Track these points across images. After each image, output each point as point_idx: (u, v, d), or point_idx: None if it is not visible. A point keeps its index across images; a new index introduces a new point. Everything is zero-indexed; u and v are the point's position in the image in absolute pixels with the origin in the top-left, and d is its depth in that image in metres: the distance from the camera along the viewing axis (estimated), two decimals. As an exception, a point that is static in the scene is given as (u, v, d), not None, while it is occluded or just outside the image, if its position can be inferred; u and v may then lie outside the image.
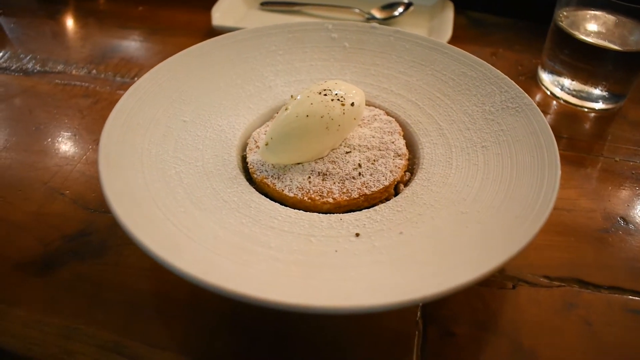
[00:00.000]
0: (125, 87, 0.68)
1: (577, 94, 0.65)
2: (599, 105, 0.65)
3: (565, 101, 0.66)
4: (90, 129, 0.61)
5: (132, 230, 0.36)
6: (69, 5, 0.89)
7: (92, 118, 0.63)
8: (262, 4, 0.83)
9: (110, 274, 0.45)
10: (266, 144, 0.46)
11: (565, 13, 0.64)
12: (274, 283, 0.35)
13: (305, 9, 0.82)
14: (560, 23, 0.64)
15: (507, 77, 0.53)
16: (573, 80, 0.64)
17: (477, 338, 0.42)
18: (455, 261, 0.37)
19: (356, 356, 0.40)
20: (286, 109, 0.46)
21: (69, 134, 0.61)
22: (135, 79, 0.69)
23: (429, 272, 0.36)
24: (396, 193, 0.48)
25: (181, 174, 0.45)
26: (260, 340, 0.41)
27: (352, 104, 0.47)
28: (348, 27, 0.62)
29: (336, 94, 0.47)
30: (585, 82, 0.64)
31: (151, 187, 0.42)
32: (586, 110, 0.65)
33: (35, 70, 0.71)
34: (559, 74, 0.66)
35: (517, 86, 0.52)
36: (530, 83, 0.70)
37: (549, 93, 0.68)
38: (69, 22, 0.85)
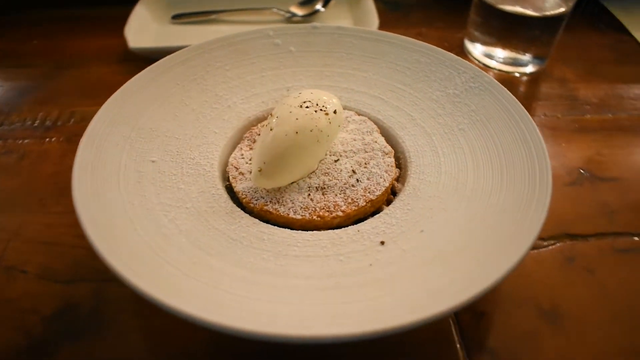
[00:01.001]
0: (50, 133, 0.60)
1: (508, 62, 0.69)
2: (529, 69, 0.69)
3: (498, 70, 0.70)
4: (29, 190, 0.53)
5: (158, 296, 0.33)
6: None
7: (24, 178, 0.55)
8: (174, 17, 0.78)
9: (120, 345, 0.41)
10: (259, 170, 0.43)
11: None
12: (340, 315, 0.33)
13: (221, 16, 0.78)
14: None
15: (460, 58, 0.55)
16: (504, 49, 0.68)
17: (504, 311, 0.43)
18: (490, 248, 0.38)
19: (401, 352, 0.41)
20: (271, 129, 0.44)
21: (2, 200, 0.53)
22: (59, 122, 0.62)
23: (471, 265, 0.37)
24: (392, 192, 0.47)
25: (176, 221, 0.41)
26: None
27: (335, 112, 0.46)
28: (289, 30, 0.60)
29: (317, 104, 0.45)
30: (514, 49, 0.68)
31: (153, 243, 0.38)
32: (518, 75, 0.69)
33: None
34: (489, 45, 0.69)
35: (474, 65, 0.54)
36: (460, 57, 0.73)
37: (481, 64, 0.71)
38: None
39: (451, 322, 0.43)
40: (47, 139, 0.59)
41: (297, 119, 0.44)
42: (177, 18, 0.77)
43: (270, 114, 0.46)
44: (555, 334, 0.42)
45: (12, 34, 0.79)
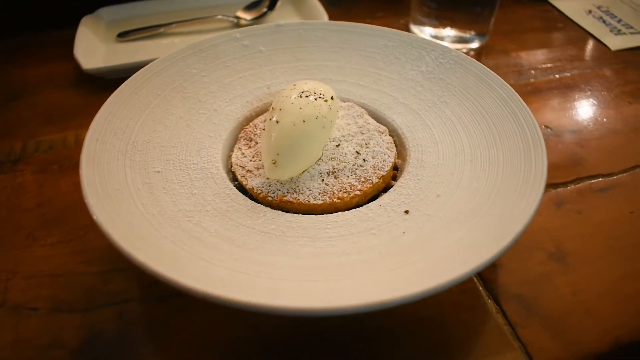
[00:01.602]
0: (20, 166, 0.56)
1: (455, 40, 0.74)
2: (474, 45, 0.75)
3: (449, 49, 0.74)
4: (14, 226, 0.50)
5: (221, 294, 0.32)
6: None
7: (5, 213, 0.51)
8: (119, 35, 0.75)
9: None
10: (274, 163, 0.44)
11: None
12: (392, 281, 0.35)
13: (169, 29, 0.77)
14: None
15: (423, 37, 0.59)
16: (452, 29, 0.73)
17: (517, 259, 0.47)
18: (505, 200, 0.41)
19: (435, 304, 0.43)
20: (277, 122, 0.44)
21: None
22: (27, 154, 0.58)
23: (493, 219, 0.40)
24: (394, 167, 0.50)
25: (202, 224, 0.41)
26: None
27: (332, 98, 0.47)
28: (255, 31, 0.61)
29: (315, 93, 0.46)
30: (459, 28, 0.73)
31: (188, 248, 0.38)
32: (465, 51, 0.75)
33: None
34: (435, 27, 0.74)
35: (439, 43, 0.58)
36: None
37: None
38: None
39: (474, 277, 0.46)
40: (19, 172, 0.56)
41: (300, 108, 0.44)
42: (124, 36, 0.75)
43: (271, 108, 0.46)
44: (564, 272, 0.46)
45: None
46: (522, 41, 0.78)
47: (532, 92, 0.67)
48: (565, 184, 0.55)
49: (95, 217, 0.37)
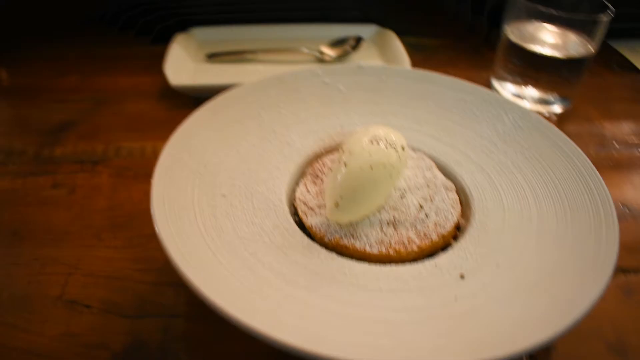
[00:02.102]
0: (99, 168, 0.60)
1: (537, 101, 0.72)
2: (557, 109, 0.72)
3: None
4: (81, 224, 0.53)
5: (260, 328, 0.33)
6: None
7: (76, 211, 0.54)
8: (209, 56, 0.79)
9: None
10: (336, 205, 0.44)
11: (514, 28, 0.71)
12: (434, 350, 0.34)
13: (255, 55, 0.80)
14: (512, 37, 0.70)
15: (504, 97, 0.58)
16: (535, 89, 0.72)
17: (571, 344, 0.44)
18: (568, 282, 0.39)
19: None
20: (345, 164, 0.45)
21: (57, 234, 0.52)
22: (107, 157, 0.62)
23: (552, 299, 0.38)
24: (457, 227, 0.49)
25: (257, 255, 0.41)
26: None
27: (403, 148, 0.47)
28: (336, 70, 0.62)
29: (387, 141, 0.47)
30: (542, 90, 0.71)
31: (239, 276, 0.39)
32: (547, 114, 0.72)
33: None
34: (520, 85, 0.73)
35: (519, 104, 0.57)
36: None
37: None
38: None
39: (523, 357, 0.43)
40: (97, 173, 0.59)
41: (370, 154, 0.45)
42: (213, 57, 0.79)
43: (341, 149, 0.47)
44: (625, 367, 0.43)
45: (44, 69, 0.80)
46: (608, 110, 0.75)
47: (612, 166, 0.64)
48: (637, 271, 0.51)
49: (157, 230, 0.39)
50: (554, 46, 0.69)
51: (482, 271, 0.42)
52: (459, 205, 0.49)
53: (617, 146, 0.68)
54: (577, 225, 0.44)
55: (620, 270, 0.51)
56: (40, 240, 0.51)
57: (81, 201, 0.56)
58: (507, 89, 0.74)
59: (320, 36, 0.85)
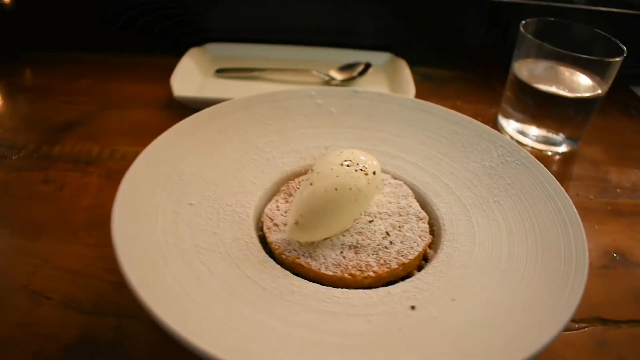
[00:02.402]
0: (90, 168, 0.62)
1: (540, 140, 0.70)
2: (562, 149, 0.70)
3: (531, 147, 0.70)
4: (63, 220, 0.54)
5: (184, 335, 0.33)
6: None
7: (61, 207, 0.56)
8: (218, 71, 0.81)
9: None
10: (296, 223, 0.43)
11: (522, 66, 0.70)
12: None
13: (262, 74, 0.81)
14: (520, 75, 0.69)
15: (497, 131, 0.56)
16: (538, 127, 0.70)
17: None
18: (521, 324, 0.37)
19: None
20: (310, 184, 0.44)
21: (37, 227, 0.53)
22: (100, 158, 0.63)
23: (501, 341, 0.36)
24: (424, 257, 0.47)
25: (208, 264, 0.41)
26: None
27: (374, 173, 0.46)
28: (331, 92, 0.62)
29: (357, 164, 0.46)
30: (547, 129, 0.69)
31: (183, 283, 0.38)
32: (550, 154, 0.70)
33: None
34: (522, 122, 0.71)
35: (511, 140, 0.55)
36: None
37: (513, 140, 0.72)
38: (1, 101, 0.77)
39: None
40: (87, 173, 0.61)
41: (337, 176, 0.44)
42: (221, 72, 0.81)
43: (311, 169, 0.47)
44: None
45: (60, 71, 0.83)
46: (617, 155, 0.72)
47: (611, 212, 0.61)
48: (617, 322, 0.48)
49: (112, 231, 0.40)
50: (562, 85, 0.67)
51: (436, 304, 0.40)
52: (429, 235, 0.48)
53: (619, 193, 0.65)
54: (544, 269, 0.42)
55: (599, 320, 0.48)
56: (18, 231, 0.53)
57: (67, 198, 0.57)
58: (511, 126, 0.73)
59: (333, 60, 0.86)
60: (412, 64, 0.85)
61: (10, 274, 0.48)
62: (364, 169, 0.46)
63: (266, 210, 0.49)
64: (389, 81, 0.83)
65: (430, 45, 0.93)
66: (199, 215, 0.46)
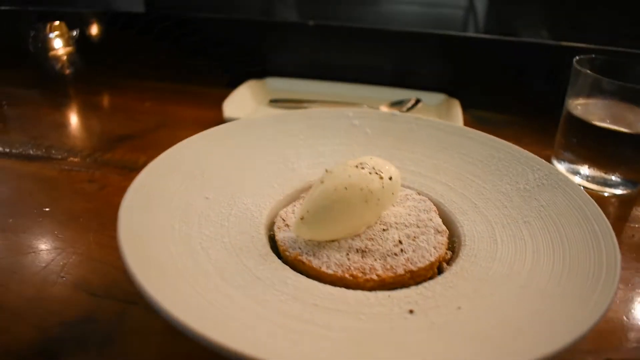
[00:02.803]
0: (132, 175, 0.64)
1: (595, 181, 0.65)
2: (619, 191, 0.64)
3: (585, 188, 0.65)
4: (96, 214, 0.57)
5: (169, 308, 0.32)
6: (71, 98, 0.91)
7: (97, 203, 0.59)
8: (272, 101, 0.84)
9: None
10: (301, 218, 0.42)
11: (576, 102, 0.66)
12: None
13: (314, 105, 0.83)
14: (574, 112, 0.65)
15: (536, 156, 0.53)
16: (590, 168, 0.65)
17: None
18: (530, 341, 0.33)
19: None
20: (322, 182, 0.44)
21: (72, 217, 0.56)
22: (145, 164, 0.66)
23: (500, 353, 0.32)
24: (439, 272, 0.44)
25: (208, 250, 0.41)
26: None
27: (390, 178, 0.45)
28: (369, 114, 0.62)
29: (373, 168, 0.45)
30: (602, 169, 0.64)
31: (179, 263, 0.38)
32: (606, 195, 0.64)
33: (38, 157, 0.69)
34: (575, 163, 0.66)
35: (549, 164, 0.52)
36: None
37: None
38: (73, 114, 0.85)
39: None
40: (128, 178, 0.64)
41: (349, 176, 0.43)
42: (274, 102, 0.84)
43: (325, 170, 0.46)
44: None
45: (131, 94, 0.92)
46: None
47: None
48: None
49: (119, 210, 0.41)
50: (619, 121, 0.63)
51: (437, 311, 0.36)
52: (445, 248, 0.44)
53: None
54: (566, 289, 0.37)
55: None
56: (55, 219, 0.56)
57: (105, 197, 0.61)
58: (564, 166, 0.68)
59: (385, 97, 0.86)
60: (467, 107, 0.84)
61: (36, 253, 0.51)
62: (379, 172, 0.45)
63: (281, 212, 0.49)
64: (438, 118, 0.82)
65: (486, 89, 0.91)
66: (212, 208, 0.46)
